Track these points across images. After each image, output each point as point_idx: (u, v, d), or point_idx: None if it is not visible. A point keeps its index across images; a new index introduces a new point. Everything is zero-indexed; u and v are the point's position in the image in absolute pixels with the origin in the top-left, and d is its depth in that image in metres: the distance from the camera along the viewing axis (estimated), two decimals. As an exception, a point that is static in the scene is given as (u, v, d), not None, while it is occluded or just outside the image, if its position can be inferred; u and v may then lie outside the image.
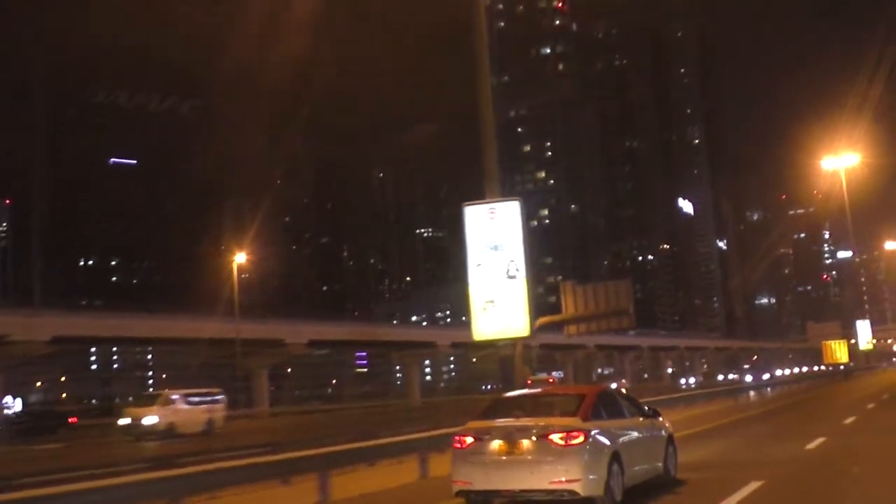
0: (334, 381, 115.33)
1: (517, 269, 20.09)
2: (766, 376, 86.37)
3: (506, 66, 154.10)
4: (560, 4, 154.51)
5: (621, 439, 11.02)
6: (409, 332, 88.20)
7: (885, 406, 30.31)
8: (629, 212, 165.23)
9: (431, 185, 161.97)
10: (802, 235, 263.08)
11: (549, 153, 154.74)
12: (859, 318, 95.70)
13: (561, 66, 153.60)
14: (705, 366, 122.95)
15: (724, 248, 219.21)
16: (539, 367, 70.36)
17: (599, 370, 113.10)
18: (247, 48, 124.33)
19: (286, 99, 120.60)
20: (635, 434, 11.65)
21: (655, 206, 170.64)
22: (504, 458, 10.25)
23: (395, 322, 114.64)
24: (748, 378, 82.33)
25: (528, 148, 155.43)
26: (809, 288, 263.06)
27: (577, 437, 10.05)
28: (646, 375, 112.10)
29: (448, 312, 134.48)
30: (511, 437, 10.29)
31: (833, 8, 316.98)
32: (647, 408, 12.76)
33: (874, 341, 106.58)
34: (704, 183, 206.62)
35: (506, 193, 24.17)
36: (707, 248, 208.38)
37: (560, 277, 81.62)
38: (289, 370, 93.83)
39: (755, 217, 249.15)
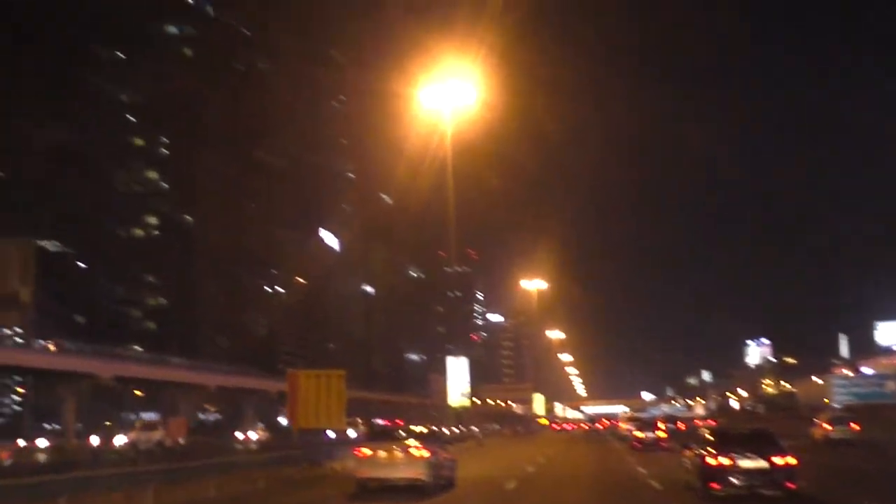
0: None
1: None
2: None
3: (123, 38, 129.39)
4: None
5: (438, 456, 23.99)
6: None
7: None
8: (256, 235, 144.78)
9: None
10: (458, 294, 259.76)
11: (164, 150, 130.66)
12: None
13: (188, 52, 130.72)
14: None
15: (373, 293, 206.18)
16: None
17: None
18: None
19: None
20: (440, 456, 24.52)
21: (290, 234, 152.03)
22: (386, 462, 22.67)
23: None
24: None
25: (139, 142, 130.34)
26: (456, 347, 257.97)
27: (427, 453, 22.90)
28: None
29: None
30: (391, 452, 22.79)
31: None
32: (441, 442, 28.05)
33: (469, 398, 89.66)
34: (357, 223, 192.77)
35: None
36: (352, 292, 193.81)
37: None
38: None
39: (412, 270, 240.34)
